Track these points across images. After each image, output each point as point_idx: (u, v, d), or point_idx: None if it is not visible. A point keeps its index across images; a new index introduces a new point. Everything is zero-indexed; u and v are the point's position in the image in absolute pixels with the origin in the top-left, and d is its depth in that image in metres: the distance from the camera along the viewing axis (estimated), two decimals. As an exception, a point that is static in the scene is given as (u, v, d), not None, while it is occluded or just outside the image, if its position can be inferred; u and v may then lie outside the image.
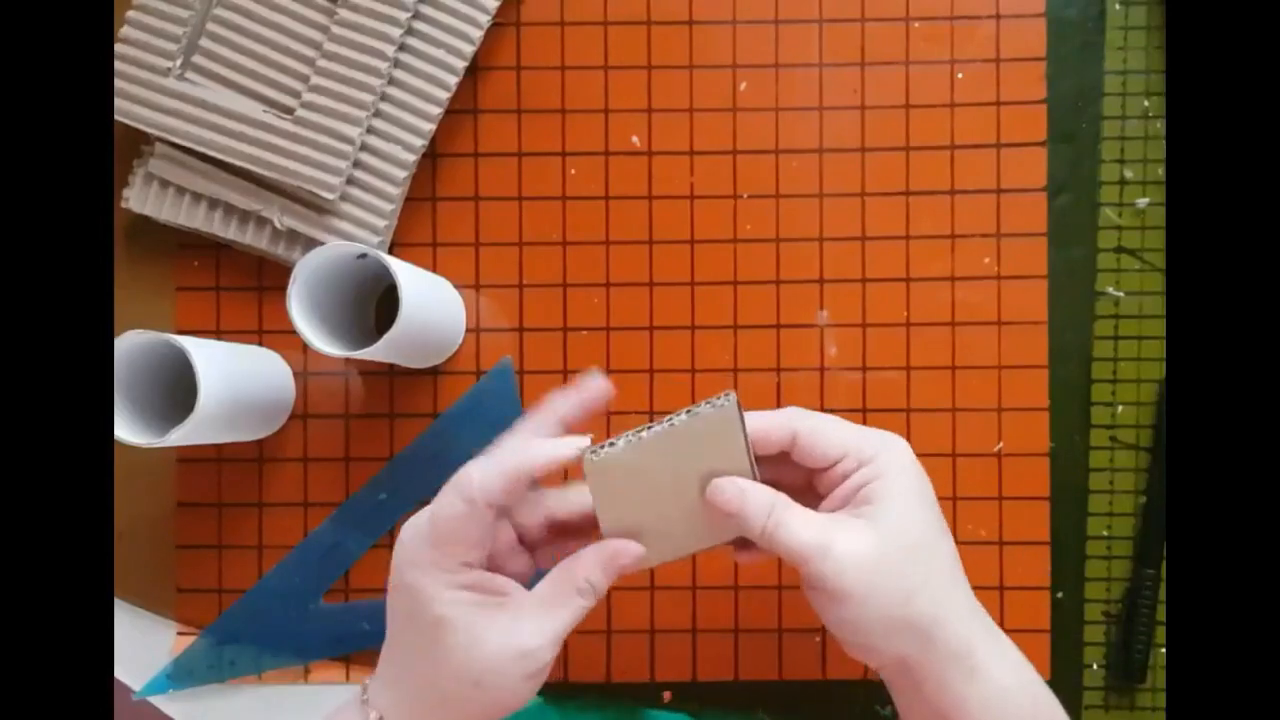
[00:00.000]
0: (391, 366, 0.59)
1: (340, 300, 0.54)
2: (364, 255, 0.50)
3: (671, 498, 0.44)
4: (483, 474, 0.42)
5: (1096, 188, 0.58)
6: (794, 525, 0.43)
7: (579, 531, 0.47)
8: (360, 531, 0.59)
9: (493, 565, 0.45)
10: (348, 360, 0.59)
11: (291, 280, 0.49)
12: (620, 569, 0.44)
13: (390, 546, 0.58)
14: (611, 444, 0.43)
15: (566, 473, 0.47)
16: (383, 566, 0.58)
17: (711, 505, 0.44)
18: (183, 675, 0.58)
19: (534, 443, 0.44)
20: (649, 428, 0.43)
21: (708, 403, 0.43)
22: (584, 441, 0.43)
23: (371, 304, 0.59)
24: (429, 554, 0.43)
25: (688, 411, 0.43)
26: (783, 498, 0.44)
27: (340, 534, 0.59)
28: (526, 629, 0.43)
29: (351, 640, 0.58)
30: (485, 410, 0.59)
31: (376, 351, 0.50)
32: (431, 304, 0.54)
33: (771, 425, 0.45)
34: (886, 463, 0.44)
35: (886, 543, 0.43)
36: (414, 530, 0.44)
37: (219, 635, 0.58)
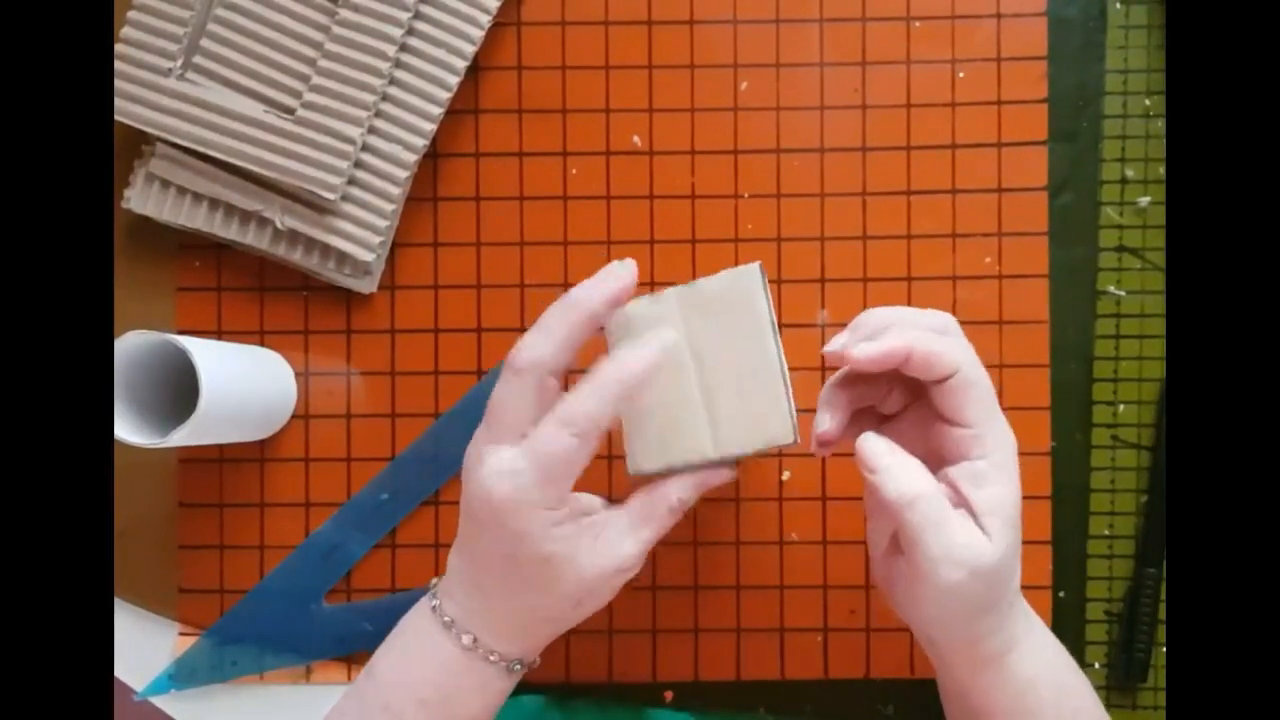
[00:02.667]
0: (393, 367, 0.59)
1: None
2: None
3: (695, 384, 0.45)
4: (585, 403, 0.42)
5: (1098, 187, 0.58)
6: (941, 512, 0.42)
7: None
8: (362, 532, 0.59)
9: None
10: (349, 361, 0.59)
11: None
12: (709, 487, 0.46)
13: (391, 547, 0.58)
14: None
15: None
16: (385, 567, 0.59)
17: (741, 399, 0.45)
18: (184, 676, 0.58)
19: (624, 359, 0.43)
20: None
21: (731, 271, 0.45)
22: (628, 266, 0.44)
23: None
24: (537, 494, 0.42)
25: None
26: (932, 481, 0.43)
27: (342, 534, 0.59)
28: (623, 548, 0.44)
29: (353, 640, 0.58)
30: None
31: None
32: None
33: (890, 352, 0.43)
34: (1004, 472, 0.43)
35: (1001, 565, 0.42)
36: (513, 473, 0.42)
37: (221, 636, 0.58)
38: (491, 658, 0.46)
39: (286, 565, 0.59)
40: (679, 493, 0.45)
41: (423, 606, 0.47)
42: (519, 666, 0.47)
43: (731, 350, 0.45)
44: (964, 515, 0.43)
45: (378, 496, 0.59)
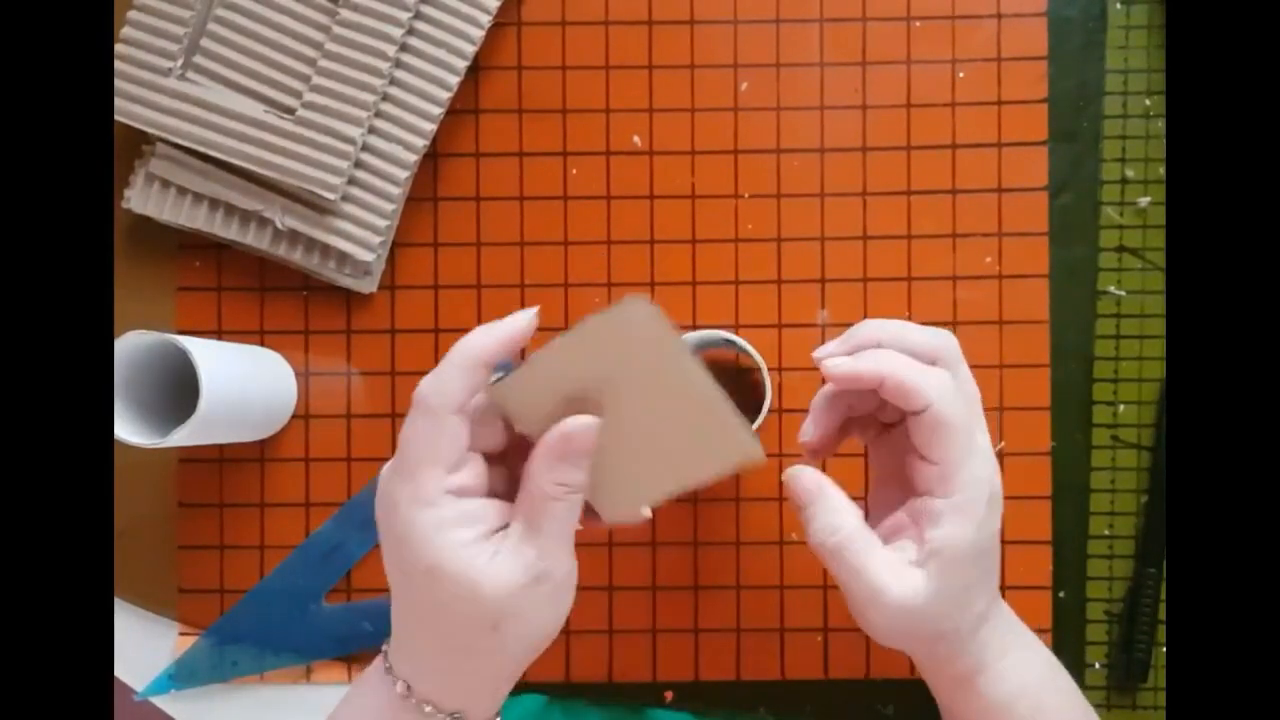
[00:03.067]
0: (393, 367, 0.59)
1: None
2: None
3: (638, 431, 0.40)
4: (432, 379, 0.39)
5: (1098, 187, 0.58)
6: (858, 558, 0.42)
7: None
8: (362, 532, 0.58)
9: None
10: (349, 361, 0.59)
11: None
12: (578, 451, 0.39)
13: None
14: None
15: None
16: (375, 569, 0.59)
17: (681, 440, 0.40)
18: (185, 675, 0.58)
19: (476, 331, 0.40)
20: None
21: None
22: (530, 313, 0.40)
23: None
24: (406, 489, 0.39)
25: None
26: (854, 523, 0.43)
27: (342, 534, 0.59)
28: (522, 555, 0.39)
29: (354, 640, 0.58)
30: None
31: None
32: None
33: (859, 376, 0.43)
34: (962, 516, 0.42)
35: (930, 606, 0.42)
36: (386, 474, 0.40)
37: (221, 636, 0.58)
38: (426, 709, 0.41)
39: (286, 565, 0.59)
40: (544, 475, 0.39)
41: (382, 653, 0.44)
42: None
43: (656, 386, 0.40)
44: (894, 554, 0.43)
45: None
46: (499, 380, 0.40)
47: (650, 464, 0.41)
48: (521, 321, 0.40)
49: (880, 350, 0.43)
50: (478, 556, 0.39)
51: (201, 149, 0.56)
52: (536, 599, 0.40)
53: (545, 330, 0.58)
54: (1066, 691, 0.47)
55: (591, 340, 0.39)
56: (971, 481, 0.42)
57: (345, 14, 0.56)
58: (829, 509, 0.43)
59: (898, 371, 0.42)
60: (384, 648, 0.44)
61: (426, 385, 0.39)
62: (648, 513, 0.42)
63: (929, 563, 0.42)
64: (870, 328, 0.44)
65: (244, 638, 0.58)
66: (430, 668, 0.42)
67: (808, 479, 0.44)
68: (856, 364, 0.43)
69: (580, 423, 0.39)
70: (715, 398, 0.40)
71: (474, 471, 0.40)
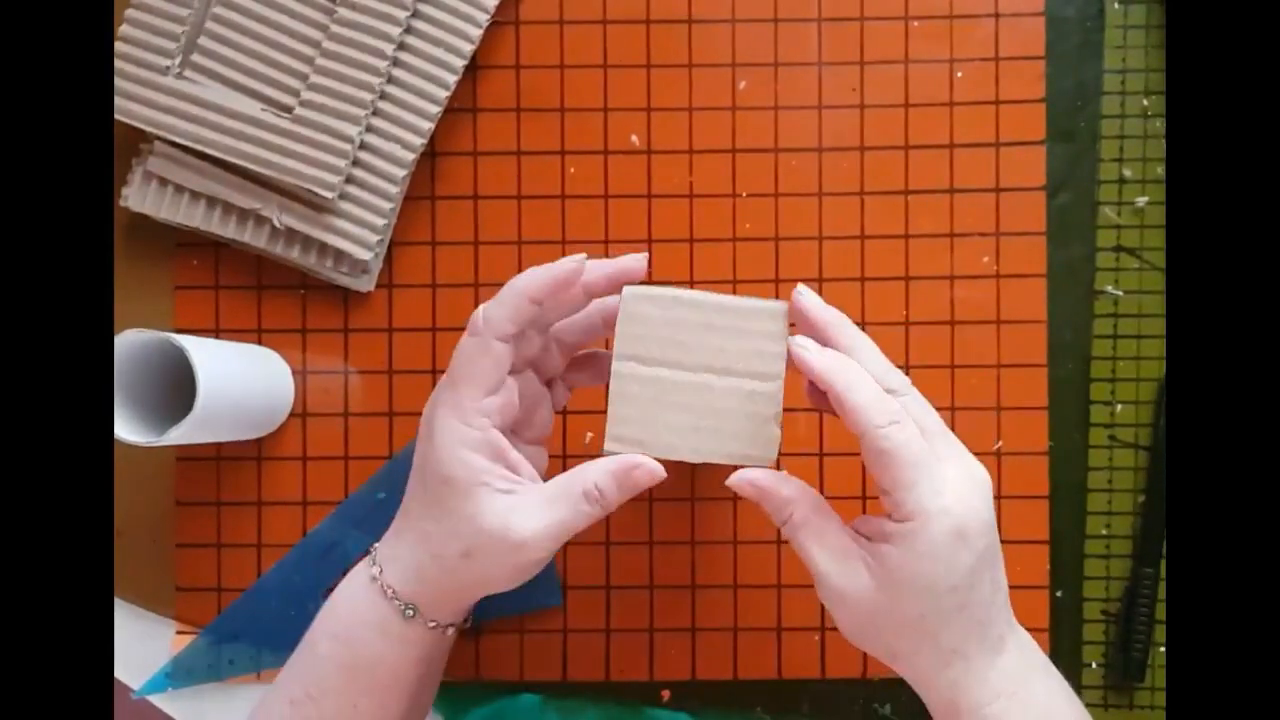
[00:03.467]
0: (390, 365, 0.59)
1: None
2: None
3: (692, 381, 0.45)
4: (486, 307, 0.44)
5: (1095, 186, 0.58)
6: (806, 539, 0.44)
7: (588, 363, 0.51)
8: (359, 530, 0.58)
9: (519, 425, 0.48)
10: (346, 359, 0.59)
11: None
12: (633, 484, 0.44)
13: None
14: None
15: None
16: None
17: (723, 416, 0.45)
18: (182, 674, 0.58)
19: (531, 270, 0.45)
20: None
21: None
22: (578, 257, 0.45)
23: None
24: (448, 395, 0.44)
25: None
26: (807, 500, 0.44)
27: (339, 533, 0.59)
28: (523, 517, 0.43)
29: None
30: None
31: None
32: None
33: (822, 371, 0.44)
34: (910, 543, 0.42)
35: (879, 610, 0.43)
36: (441, 382, 0.45)
37: (218, 634, 0.58)
38: (389, 592, 0.45)
39: (284, 564, 0.59)
40: (597, 478, 0.44)
41: (369, 554, 0.48)
42: (412, 613, 0.45)
43: (739, 372, 0.45)
44: (849, 544, 0.44)
45: (374, 495, 0.59)
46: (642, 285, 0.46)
47: (682, 422, 0.45)
48: (570, 264, 0.45)
49: (845, 359, 0.44)
50: (494, 484, 0.44)
51: (199, 147, 0.56)
52: (509, 561, 0.44)
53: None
54: None
55: (728, 311, 0.45)
56: (919, 513, 0.42)
57: (343, 12, 0.55)
58: (776, 506, 0.45)
59: (846, 389, 0.43)
60: (371, 549, 0.47)
61: (483, 310, 0.44)
62: (651, 464, 0.44)
63: (877, 572, 0.43)
64: (848, 333, 0.45)
65: (241, 636, 0.58)
66: (411, 572, 0.45)
67: (745, 490, 0.45)
68: (817, 360, 0.44)
69: (650, 469, 0.44)
70: (777, 404, 0.45)
71: (507, 399, 0.45)
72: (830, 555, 0.44)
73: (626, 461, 0.44)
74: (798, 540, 0.45)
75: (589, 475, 0.44)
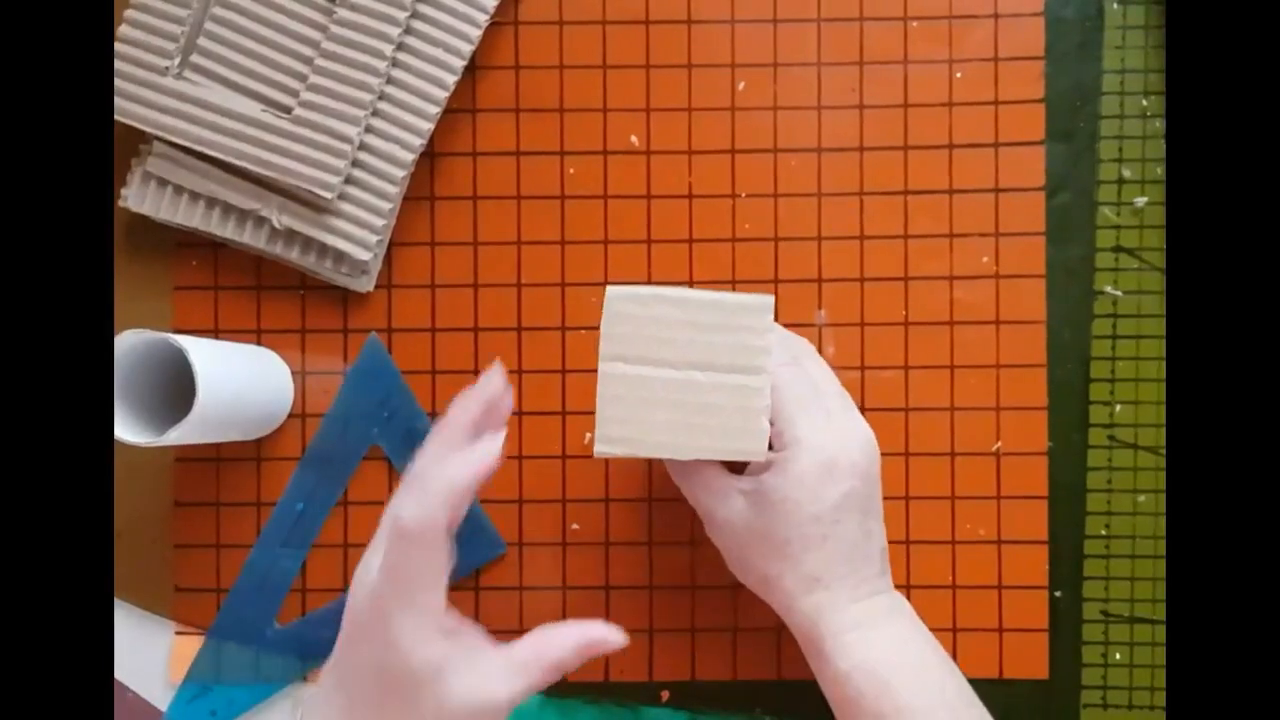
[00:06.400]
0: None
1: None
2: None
3: (679, 378, 0.46)
4: (420, 512, 0.41)
5: (1095, 187, 0.58)
6: (692, 485, 0.49)
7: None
8: (289, 548, 0.58)
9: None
10: (346, 360, 0.59)
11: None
12: (591, 654, 0.44)
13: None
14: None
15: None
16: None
17: (711, 411, 0.46)
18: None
19: (455, 460, 0.42)
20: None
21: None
22: (501, 436, 0.43)
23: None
24: (400, 600, 0.41)
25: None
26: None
27: (270, 556, 0.58)
28: (495, 689, 0.42)
29: (317, 650, 0.58)
30: (368, 393, 0.59)
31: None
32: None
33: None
34: (783, 469, 0.46)
35: (754, 535, 0.47)
36: (371, 585, 0.42)
37: (197, 688, 0.58)
38: None
39: (230, 605, 0.58)
40: (562, 652, 0.43)
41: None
42: None
43: (725, 367, 0.46)
44: (727, 478, 0.48)
45: (294, 507, 0.58)
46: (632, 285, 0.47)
47: (671, 420, 0.46)
48: (493, 451, 0.42)
49: None
50: (453, 663, 0.42)
51: (199, 148, 0.56)
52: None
53: (538, 329, 0.58)
54: (924, 668, 0.48)
55: (711, 306, 0.46)
56: (794, 442, 0.47)
57: (342, 13, 0.55)
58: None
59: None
60: (298, 715, 0.46)
61: (415, 521, 0.41)
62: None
63: (750, 496, 0.47)
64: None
65: (218, 680, 0.58)
66: None
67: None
68: None
69: (612, 639, 0.44)
70: (763, 391, 0.46)
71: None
72: (710, 494, 0.48)
73: (592, 635, 0.44)
74: (685, 488, 0.49)
75: (552, 650, 0.43)
